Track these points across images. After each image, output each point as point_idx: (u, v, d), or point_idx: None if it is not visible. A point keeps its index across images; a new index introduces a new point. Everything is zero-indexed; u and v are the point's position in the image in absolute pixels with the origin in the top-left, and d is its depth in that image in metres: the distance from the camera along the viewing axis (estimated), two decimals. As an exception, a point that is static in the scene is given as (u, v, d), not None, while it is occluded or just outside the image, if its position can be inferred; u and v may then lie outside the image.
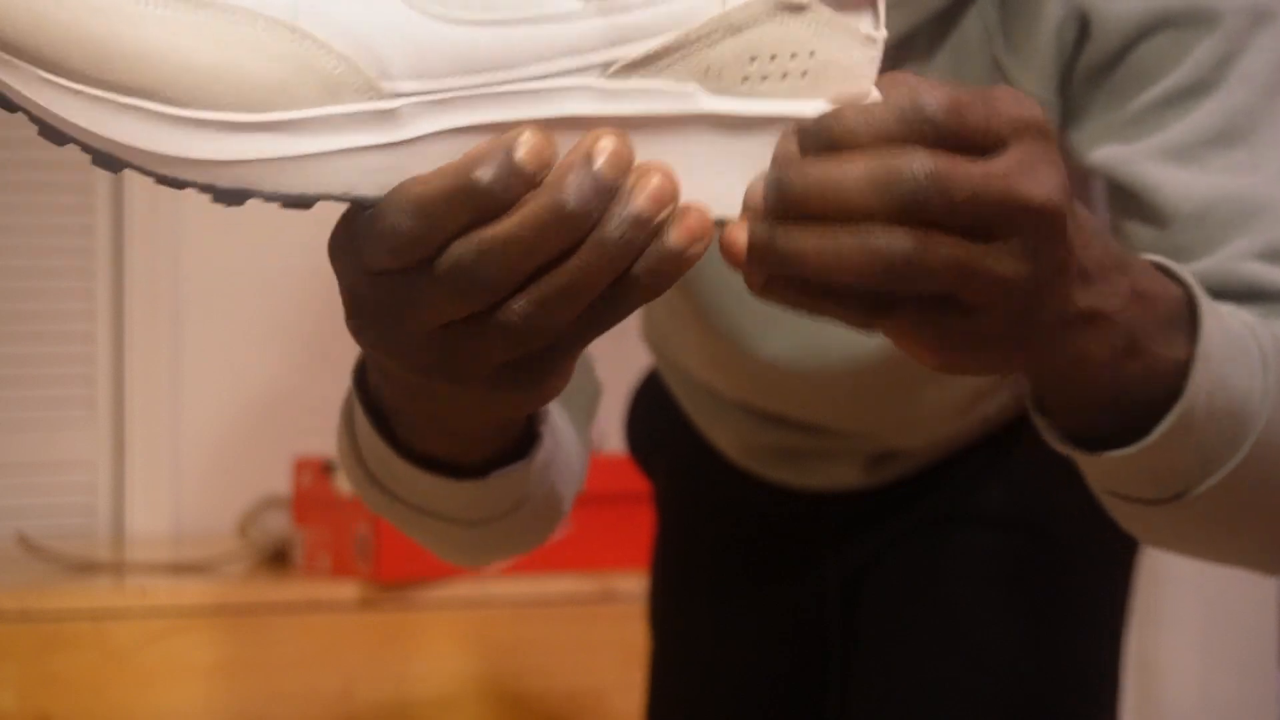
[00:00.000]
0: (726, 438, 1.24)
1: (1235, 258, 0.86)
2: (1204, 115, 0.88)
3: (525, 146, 0.56)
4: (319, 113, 0.56)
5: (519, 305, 0.57)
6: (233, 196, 0.57)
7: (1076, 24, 0.90)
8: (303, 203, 0.57)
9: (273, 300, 2.40)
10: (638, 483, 1.41)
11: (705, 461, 1.26)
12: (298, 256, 2.39)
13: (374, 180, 0.57)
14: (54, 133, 0.56)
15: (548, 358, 0.60)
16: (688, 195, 0.58)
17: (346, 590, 1.94)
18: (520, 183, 0.56)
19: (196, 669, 1.88)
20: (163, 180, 0.57)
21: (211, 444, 2.41)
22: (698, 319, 1.09)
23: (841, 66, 0.60)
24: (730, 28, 0.58)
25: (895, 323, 0.60)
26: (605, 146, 0.56)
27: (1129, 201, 0.89)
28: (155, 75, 0.55)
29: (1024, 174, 0.58)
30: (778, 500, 1.23)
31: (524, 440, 0.77)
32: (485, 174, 0.55)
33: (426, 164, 0.57)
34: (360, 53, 0.56)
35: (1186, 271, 0.72)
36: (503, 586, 1.98)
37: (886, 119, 0.57)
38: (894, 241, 0.57)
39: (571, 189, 0.55)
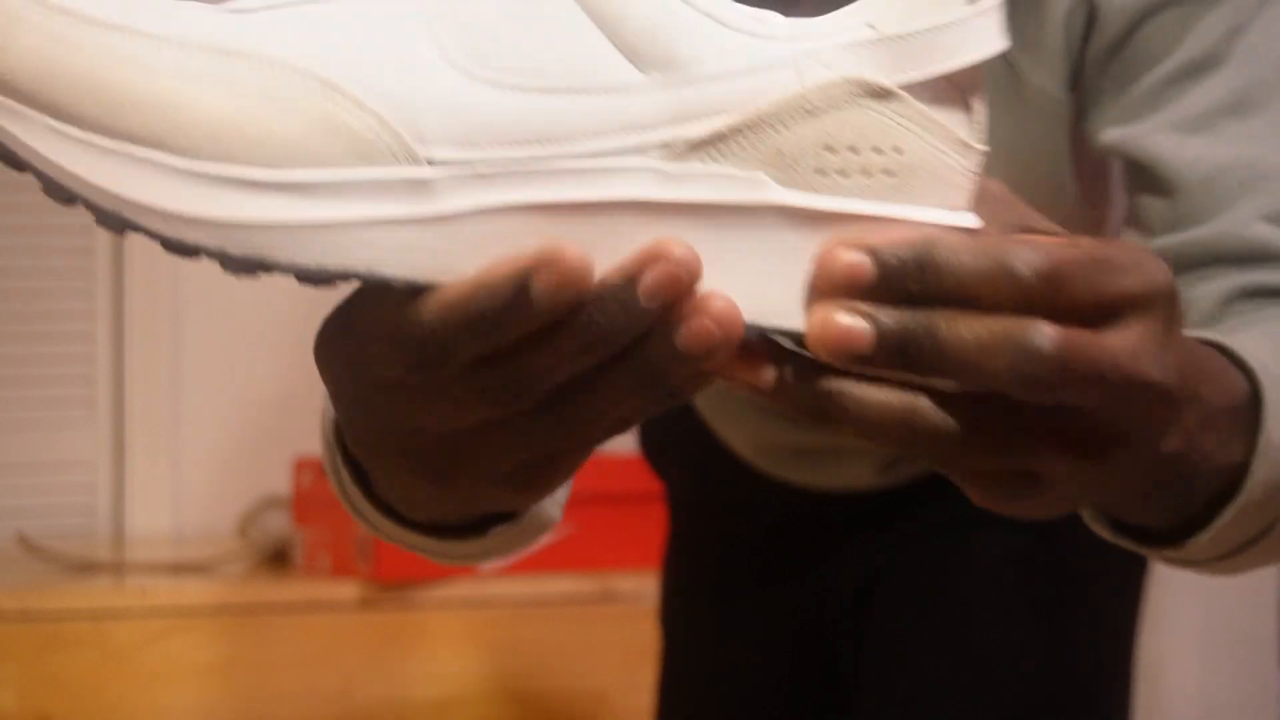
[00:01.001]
0: (739, 437, 1.24)
1: (1242, 220, 0.85)
2: (1213, 87, 0.87)
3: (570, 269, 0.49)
4: (346, 175, 0.51)
5: (551, 413, 0.52)
6: (245, 265, 0.51)
7: (1084, 12, 0.89)
8: (321, 278, 0.51)
9: (273, 301, 2.39)
10: (639, 483, 1.41)
11: (717, 461, 1.26)
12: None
13: (401, 259, 0.51)
14: (60, 190, 0.51)
15: (565, 458, 0.56)
16: (744, 295, 0.52)
17: (346, 590, 1.94)
18: (568, 302, 0.50)
19: (196, 669, 1.88)
20: (169, 245, 0.52)
21: (211, 444, 2.41)
22: None
23: (932, 172, 0.53)
24: (806, 110, 0.52)
25: (963, 469, 0.55)
26: (659, 271, 0.50)
27: (1140, 175, 0.89)
28: (171, 124, 0.51)
29: (1142, 354, 0.54)
30: (790, 500, 1.23)
31: None
32: (537, 290, 0.49)
33: (462, 244, 0.51)
34: (395, 113, 0.51)
35: (1251, 358, 0.68)
36: (503, 586, 1.98)
37: (984, 274, 0.51)
38: (1043, 336, 0.51)
39: (615, 314, 0.50)
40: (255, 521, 2.22)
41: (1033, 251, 0.51)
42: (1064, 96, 0.92)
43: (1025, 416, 0.53)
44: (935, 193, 0.54)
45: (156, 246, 2.12)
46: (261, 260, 0.51)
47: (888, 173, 0.53)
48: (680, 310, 0.51)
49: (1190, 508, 0.67)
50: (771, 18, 0.53)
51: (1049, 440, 0.54)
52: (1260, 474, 0.67)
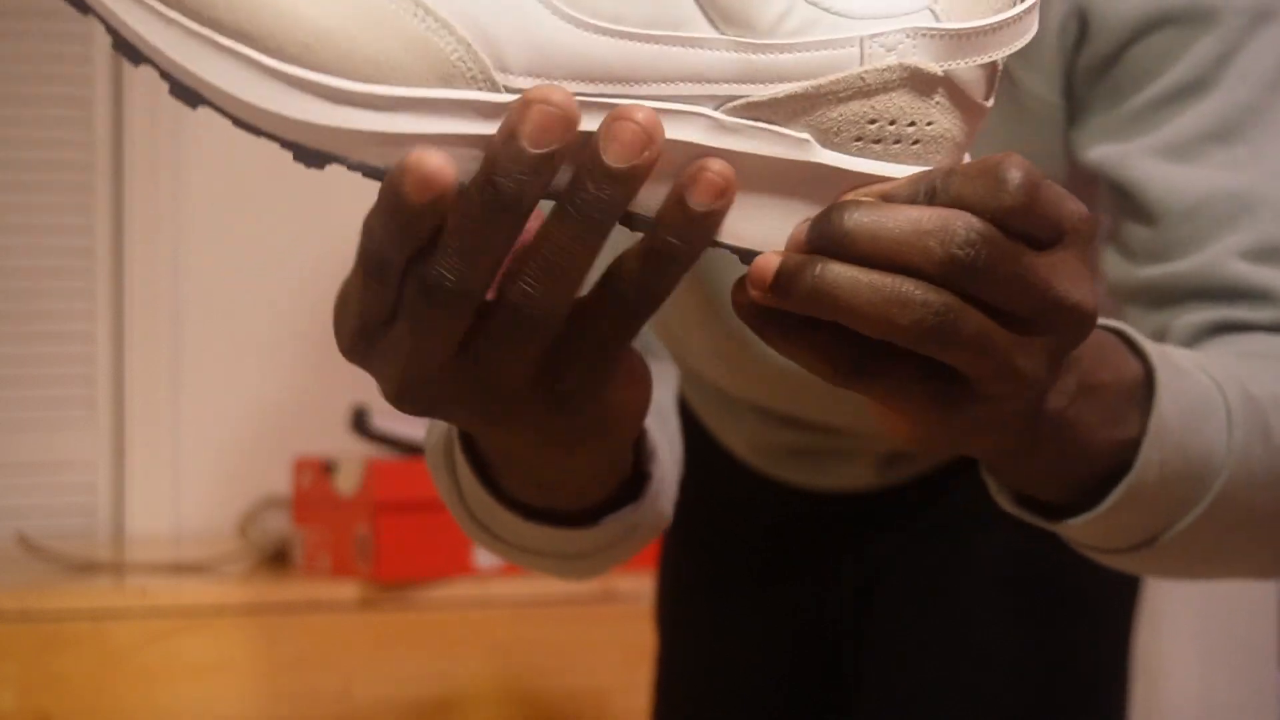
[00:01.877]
0: (737, 438, 1.24)
1: (1222, 255, 0.85)
2: (1201, 113, 0.87)
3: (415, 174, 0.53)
4: (428, 94, 0.54)
5: (509, 297, 0.55)
6: (315, 158, 0.54)
7: (1077, 22, 0.89)
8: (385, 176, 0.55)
9: (273, 300, 2.39)
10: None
11: (716, 461, 1.26)
12: (299, 256, 2.39)
13: (466, 169, 0.54)
14: (132, 51, 0.54)
15: (580, 367, 0.58)
16: (765, 235, 0.57)
17: (346, 590, 1.94)
18: (430, 199, 0.54)
19: (196, 669, 1.88)
20: (240, 125, 0.55)
21: (211, 444, 2.41)
22: (707, 320, 1.09)
23: (950, 139, 0.58)
24: (862, 89, 0.56)
25: (883, 383, 0.58)
26: (531, 117, 0.53)
27: (1123, 200, 0.89)
28: (263, 23, 0.53)
29: (1069, 274, 0.57)
30: (788, 500, 1.23)
31: (633, 479, 0.74)
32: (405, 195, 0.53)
33: None
34: (481, 40, 0.54)
35: (1148, 344, 0.70)
36: (503, 586, 1.98)
37: (963, 188, 0.55)
38: (932, 296, 0.55)
39: (502, 172, 0.53)
40: (255, 521, 2.22)
41: (1014, 163, 0.56)
42: (1058, 102, 0.92)
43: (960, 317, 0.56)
44: (948, 155, 0.58)
45: (157, 247, 2.11)
46: (333, 156, 0.54)
47: (916, 142, 0.57)
48: (600, 139, 0.54)
49: (1083, 483, 0.69)
50: None
51: (997, 343, 0.56)
52: (1153, 454, 0.68)
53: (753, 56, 0.56)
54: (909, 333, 0.55)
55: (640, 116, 0.54)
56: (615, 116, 0.54)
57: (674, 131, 0.55)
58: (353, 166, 0.54)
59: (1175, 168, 0.87)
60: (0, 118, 2.34)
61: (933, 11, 0.57)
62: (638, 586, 1.92)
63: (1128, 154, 0.88)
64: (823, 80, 0.56)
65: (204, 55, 0.53)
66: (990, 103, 0.59)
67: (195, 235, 2.37)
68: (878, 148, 0.57)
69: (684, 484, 1.34)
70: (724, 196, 0.55)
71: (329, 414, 2.29)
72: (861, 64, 0.56)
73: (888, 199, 0.56)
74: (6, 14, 2.32)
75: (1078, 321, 0.58)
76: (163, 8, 0.53)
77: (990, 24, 0.57)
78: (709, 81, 0.56)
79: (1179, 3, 0.87)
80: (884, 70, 0.56)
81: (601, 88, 0.55)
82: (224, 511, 2.33)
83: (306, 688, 1.91)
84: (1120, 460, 0.68)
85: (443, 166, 0.53)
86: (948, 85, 0.57)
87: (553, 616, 2.00)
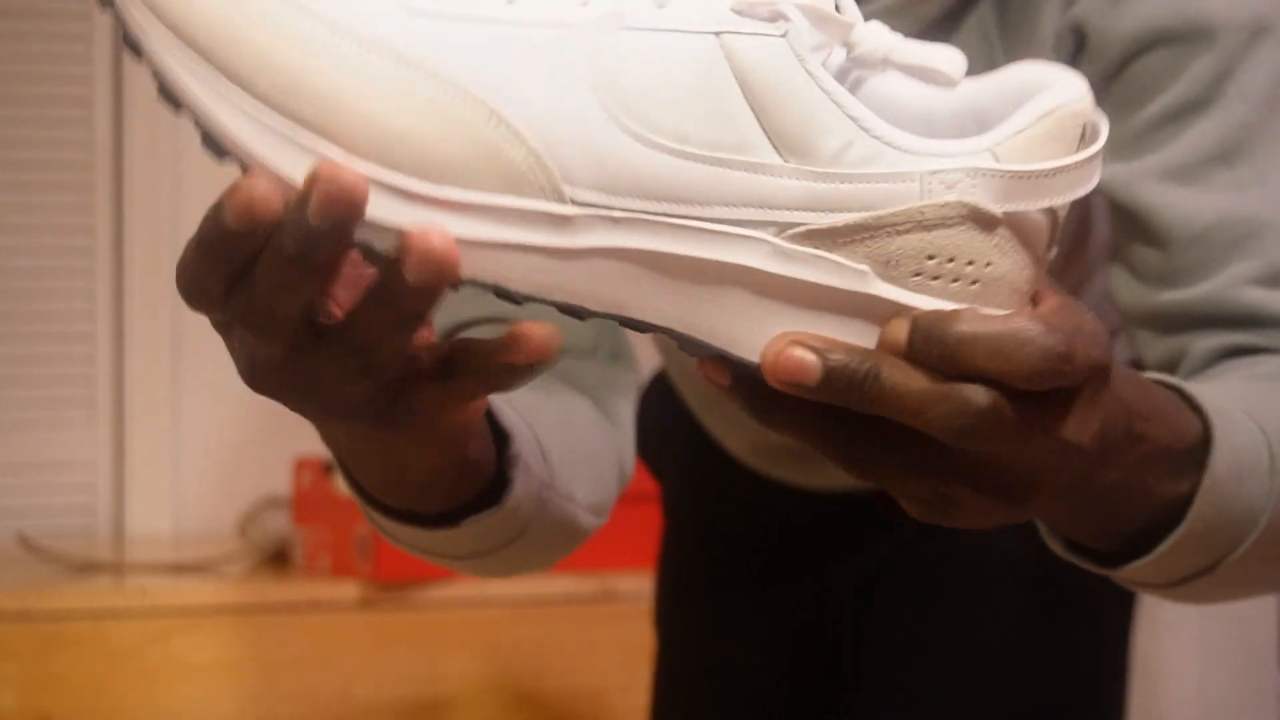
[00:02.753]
0: (735, 438, 1.24)
1: (1235, 283, 0.86)
2: (1203, 132, 0.87)
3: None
4: (496, 201, 0.55)
5: (329, 341, 0.58)
6: (380, 258, 0.56)
7: (1073, 37, 0.89)
8: (455, 283, 0.56)
9: (273, 300, 2.39)
10: (638, 483, 1.41)
11: (714, 462, 1.26)
12: (298, 257, 2.39)
13: (528, 279, 0.56)
14: (217, 146, 0.55)
15: (406, 390, 0.60)
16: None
17: (346, 590, 1.95)
18: (249, 224, 0.55)
19: (197, 669, 1.89)
20: None
21: (211, 444, 2.41)
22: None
23: (1011, 283, 0.59)
24: (921, 223, 0.57)
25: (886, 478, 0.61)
26: (320, 191, 0.54)
27: (1130, 223, 0.89)
28: (340, 120, 0.54)
29: (1072, 416, 0.60)
30: (787, 500, 1.23)
31: (498, 483, 0.75)
32: (226, 215, 0.55)
33: (586, 277, 0.57)
34: (551, 152, 0.55)
35: (1206, 402, 0.72)
36: (503, 586, 1.98)
37: (1007, 342, 0.57)
38: (979, 396, 0.57)
39: (296, 235, 0.55)
40: (255, 521, 2.22)
41: (1048, 326, 0.57)
42: None
43: (952, 454, 0.59)
44: (1009, 300, 0.59)
45: (157, 247, 2.11)
46: (398, 256, 0.55)
47: (975, 282, 0.58)
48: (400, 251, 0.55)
49: (1132, 533, 0.71)
50: (907, 135, 0.58)
51: (970, 477, 0.60)
52: (1203, 509, 0.70)
53: (815, 185, 0.57)
54: (953, 429, 0.58)
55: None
56: (411, 233, 0.54)
57: (735, 256, 0.57)
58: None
59: (1181, 191, 0.87)
60: (0, 118, 2.34)
61: (993, 154, 0.58)
62: (638, 586, 1.92)
63: (1132, 176, 0.88)
64: (883, 211, 0.57)
65: (283, 149, 0.55)
66: (1052, 254, 0.60)
67: (195, 235, 2.37)
68: (935, 284, 0.58)
69: (682, 485, 1.34)
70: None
71: (329, 414, 2.29)
72: (921, 199, 0.57)
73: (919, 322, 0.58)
74: (6, 14, 2.32)
75: (1082, 455, 0.61)
76: (249, 100, 0.54)
77: (1051, 168, 0.58)
78: (771, 208, 0.57)
79: (1176, 20, 0.87)
80: (943, 206, 0.57)
81: (666, 206, 0.56)
82: (224, 511, 2.33)
83: (306, 688, 1.91)
84: (1169, 517, 0.70)
85: (269, 196, 0.54)
86: (1008, 228, 0.58)
87: (552, 616, 2.00)
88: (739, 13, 0.56)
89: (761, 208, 0.57)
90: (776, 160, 0.56)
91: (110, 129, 2.36)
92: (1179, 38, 0.87)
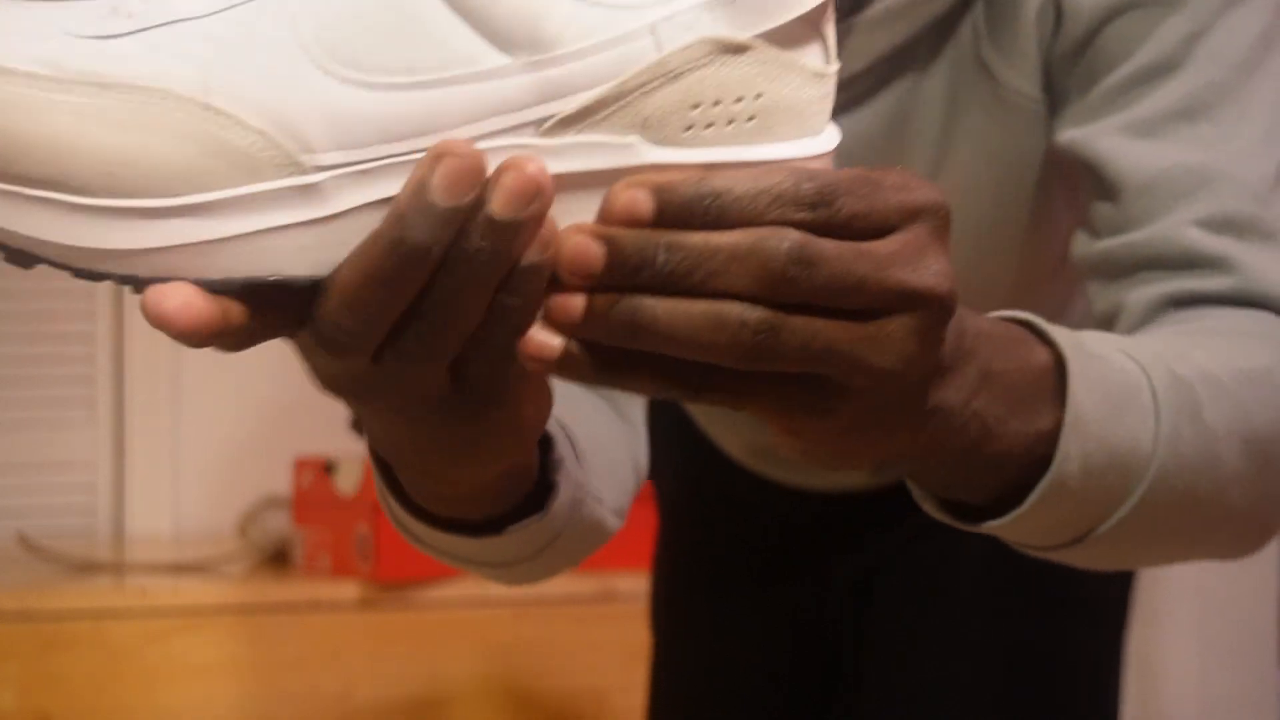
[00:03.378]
0: (731, 438, 1.24)
1: (1176, 225, 0.84)
2: (1169, 91, 0.86)
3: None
4: (237, 193, 0.53)
5: (404, 343, 0.55)
6: (139, 285, 0.54)
7: (1053, 12, 0.89)
8: (231, 288, 0.53)
9: (273, 300, 2.40)
10: (639, 483, 1.41)
11: (710, 462, 1.26)
12: (298, 256, 2.40)
13: (301, 259, 0.54)
14: None
15: (482, 376, 0.58)
16: None
17: (346, 590, 1.95)
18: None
19: (197, 669, 1.89)
20: (80, 274, 0.54)
21: (211, 444, 2.41)
22: None
23: (790, 107, 0.56)
24: (668, 74, 0.54)
25: (737, 396, 0.57)
26: (442, 170, 0.52)
27: (1089, 177, 0.89)
28: (64, 165, 0.52)
29: (909, 259, 0.55)
30: (784, 500, 1.23)
31: (541, 489, 0.74)
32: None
33: (354, 237, 0.53)
34: (277, 126, 0.53)
35: (1059, 331, 0.68)
36: (503, 587, 1.98)
37: (758, 198, 0.53)
38: (747, 314, 0.53)
39: (411, 223, 0.52)
40: (255, 521, 2.22)
41: (806, 174, 0.54)
42: (1040, 96, 0.92)
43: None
44: (795, 125, 0.56)
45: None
46: (170, 279, 0.54)
47: (750, 118, 0.55)
48: (489, 190, 0.52)
49: (1005, 483, 0.67)
50: None
51: (835, 341, 0.55)
52: (1072, 447, 0.66)
53: (549, 73, 0.54)
54: (731, 354, 0.54)
55: (530, 168, 0.52)
56: (505, 167, 0.52)
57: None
58: (195, 284, 0.54)
59: (1139, 143, 0.86)
60: (0, 118, 2.34)
61: None
62: (638, 586, 1.92)
63: (1095, 132, 0.88)
64: (626, 76, 0.54)
65: (17, 211, 0.53)
66: (834, 66, 0.57)
67: (195, 235, 2.37)
68: (710, 133, 0.55)
69: (679, 485, 1.34)
70: (534, 202, 0.52)
71: (329, 414, 2.29)
72: (660, 50, 0.54)
73: (664, 190, 0.53)
74: (6, 14, 2.33)
75: (929, 304, 0.56)
76: None
77: None
78: (515, 110, 0.54)
79: None
80: (685, 49, 0.54)
81: (412, 143, 0.53)
82: (224, 511, 2.33)
83: (306, 688, 1.91)
84: (1039, 457, 0.66)
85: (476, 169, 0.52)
86: (766, 54, 0.55)
87: (552, 616, 2.00)
88: None
89: (506, 113, 0.54)
90: (505, 61, 0.53)
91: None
92: (1150, 1, 0.87)
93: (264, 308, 0.55)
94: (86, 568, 2.05)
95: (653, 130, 0.55)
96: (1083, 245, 0.89)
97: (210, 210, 0.53)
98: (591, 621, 2.00)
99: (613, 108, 0.54)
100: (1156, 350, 0.73)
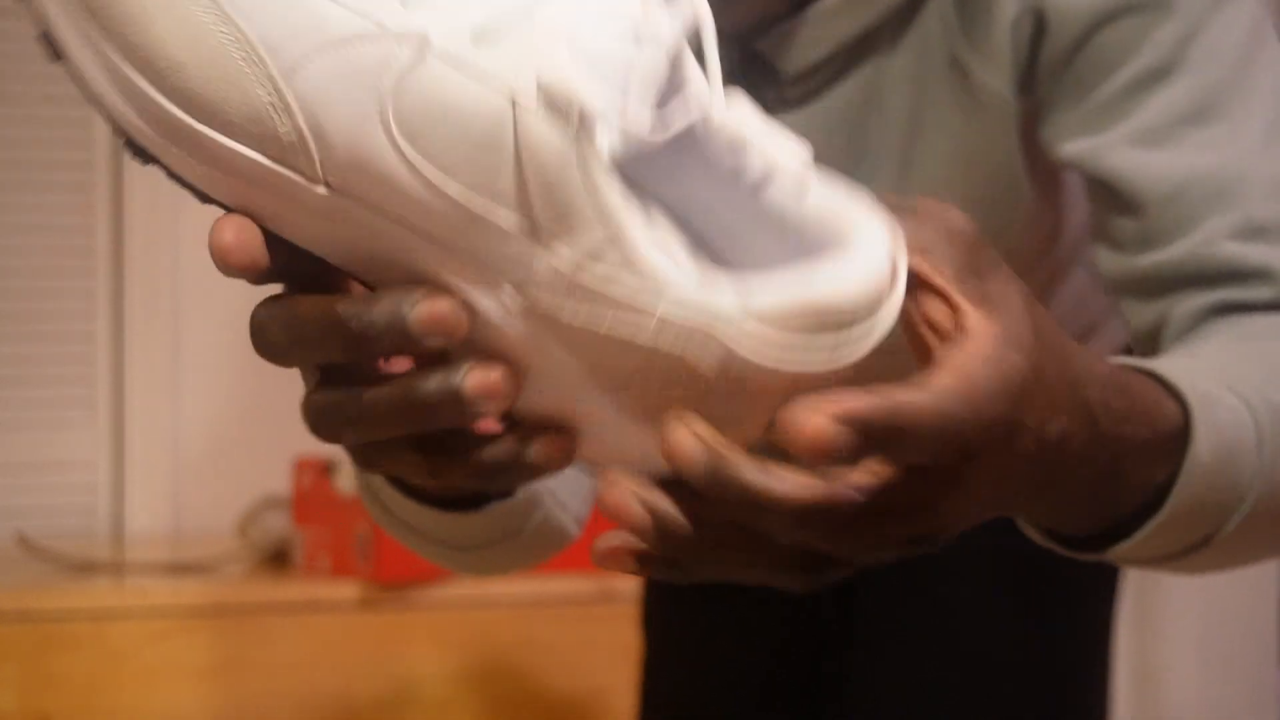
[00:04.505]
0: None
1: (1211, 239, 0.85)
2: (1171, 97, 0.87)
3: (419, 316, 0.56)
4: (254, 157, 0.56)
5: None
6: (141, 153, 0.59)
7: (1032, 19, 0.89)
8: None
9: (273, 300, 2.39)
10: (638, 483, 1.42)
11: None
12: (298, 256, 2.39)
13: (280, 219, 0.58)
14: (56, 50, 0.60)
15: (456, 452, 0.59)
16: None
17: (346, 590, 1.95)
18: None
19: (196, 669, 1.89)
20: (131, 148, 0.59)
21: (211, 444, 2.41)
22: None
23: (738, 423, 0.59)
24: (652, 352, 0.56)
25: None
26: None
27: (1105, 194, 0.89)
28: (137, 34, 0.57)
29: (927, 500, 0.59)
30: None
31: None
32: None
33: (345, 225, 0.57)
34: (316, 139, 0.56)
35: (1185, 385, 0.70)
36: (503, 586, 1.98)
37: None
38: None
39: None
40: (255, 521, 2.22)
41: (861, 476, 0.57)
42: (1013, 98, 0.92)
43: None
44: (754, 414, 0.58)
45: (157, 246, 2.11)
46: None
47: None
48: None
49: (1112, 519, 0.70)
50: (666, 267, 0.56)
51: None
52: (1184, 493, 0.69)
53: (554, 280, 0.55)
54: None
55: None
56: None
57: (477, 301, 0.56)
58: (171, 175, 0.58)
59: (1153, 154, 0.87)
60: (0, 118, 2.34)
61: (737, 326, 0.56)
62: (637, 586, 1.92)
63: (1102, 146, 0.88)
64: (617, 329, 0.56)
65: (90, 59, 0.59)
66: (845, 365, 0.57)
67: (195, 235, 2.37)
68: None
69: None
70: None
71: (329, 414, 2.29)
72: (655, 340, 0.55)
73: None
74: (7, 14, 2.32)
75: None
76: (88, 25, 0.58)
77: (773, 366, 0.56)
78: (506, 273, 0.56)
79: None
80: (669, 350, 0.55)
81: (412, 224, 0.56)
82: (224, 511, 2.33)
83: (306, 688, 1.91)
84: (1148, 502, 0.69)
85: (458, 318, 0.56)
86: (733, 377, 0.57)
87: (552, 616, 2.00)
88: (544, 90, 0.54)
89: (498, 271, 0.55)
90: (523, 237, 0.55)
91: (110, 129, 2.36)
92: (1141, 7, 0.87)
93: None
94: (86, 568, 2.05)
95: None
96: (1110, 261, 0.90)
97: (221, 152, 0.57)
98: (591, 621, 2.00)
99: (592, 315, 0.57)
100: (1255, 381, 0.75)
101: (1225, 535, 0.73)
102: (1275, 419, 0.74)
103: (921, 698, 1.17)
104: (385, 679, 1.94)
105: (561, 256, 0.55)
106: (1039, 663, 1.17)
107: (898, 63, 0.93)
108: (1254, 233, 0.85)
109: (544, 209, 0.55)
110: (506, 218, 0.55)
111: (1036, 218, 0.99)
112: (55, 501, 2.36)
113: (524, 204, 0.55)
